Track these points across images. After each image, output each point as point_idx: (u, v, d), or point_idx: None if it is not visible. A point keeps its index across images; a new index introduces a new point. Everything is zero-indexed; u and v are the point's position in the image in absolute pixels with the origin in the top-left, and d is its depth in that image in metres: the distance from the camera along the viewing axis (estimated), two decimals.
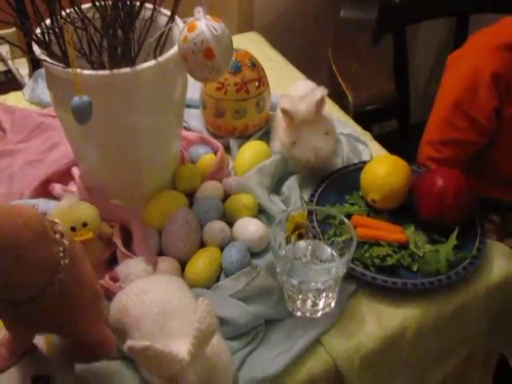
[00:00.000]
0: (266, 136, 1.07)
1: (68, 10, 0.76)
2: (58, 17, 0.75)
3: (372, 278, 0.84)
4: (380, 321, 0.81)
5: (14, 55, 1.92)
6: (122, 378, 0.74)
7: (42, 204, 0.91)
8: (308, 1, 1.51)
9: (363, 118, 1.16)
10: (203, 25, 0.69)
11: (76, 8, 0.76)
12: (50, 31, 0.76)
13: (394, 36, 1.45)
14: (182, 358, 0.64)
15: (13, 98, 1.19)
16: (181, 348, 0.65)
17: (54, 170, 0.97)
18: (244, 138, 1.05)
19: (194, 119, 1.09)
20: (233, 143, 1.04)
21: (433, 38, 1.71)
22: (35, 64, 1.60)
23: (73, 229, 0.80)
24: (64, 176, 0.97)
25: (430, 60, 1.79)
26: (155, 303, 0.72)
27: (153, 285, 0.75)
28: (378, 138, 1.12)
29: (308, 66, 1.29)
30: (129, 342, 0.64)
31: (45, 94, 1.16)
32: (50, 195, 0.94)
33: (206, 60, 0.69)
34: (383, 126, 1.44)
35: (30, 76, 1.83)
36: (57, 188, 0.94)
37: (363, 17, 1.36)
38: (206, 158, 0.99)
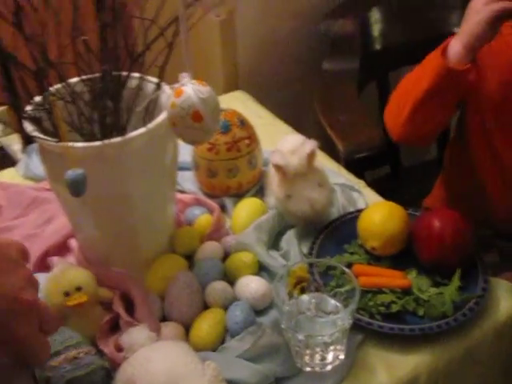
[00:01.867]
0: (260, 192, 1.07)
1: (56, 86, 0.78)
2: (47, 93, 0.76)
3: (379, 326, 0.83)
4: (391, 369, 0.80)
5: (6, 132, 1.95)
6: None
7: (42, 278, 0.90)
8: (291, 55, 1.54)
9: (355, 166, 1.17)
10: (189, 89, 0.70)
11: (64, 83, 0.78)
12: (41, 108, 0.77)
13: (378, 83, 1.47)
14: None
15: (7, 175, 1.20)
16: None
17: (52, 243, 0.97)
18: (239, 195, 1.06)
19: (188, 181, 1.10)
20: (228, 202, 1.05)
21: None
22: (27, 139, 1.62)
23: (67, 294, 0.79)
24: (62, 248, 0.97)
25: None
26: (161, 372, 0.71)
27: (157, 353, 0.74)
28: (372, 184, 1.13)
29: (296, 119, 1.31)
30: None
31: (39, 169, 1.16)
32: (49, 269, 0.93)
33: (195, 123, 0.70)
34: (376, 171, 1.45)
35: (23, 151, 1.85)
36: (55, 261, 0.93)
37: (346, 67, 1.39)
38: (203, 218, 0.99)
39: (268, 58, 1.52)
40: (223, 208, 1.05)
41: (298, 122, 1.28)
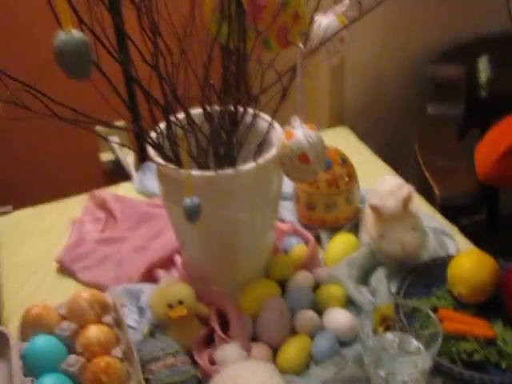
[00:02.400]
0: (355, 228, 1.12)
1: (180, 116, 0.87)
2: (173, 124, 0.85)
3: (459, 373, 0.85)
4: None
5: (123, 144, 2.09)
6: None
7: (148, 288, 0.99)
8: (396, 96, 1.58)
9: (450, 212, 1.19)
10: (299, 133, 0.77)
11: (188, 116, 0.86)
12: (164, 136, 0.86)
13: (482, 130, 1.48)
14: None
15: (123, 188, 1.31)
16: None
17: (159, 256, 1.06)
18: (334, 229, 1.11)
19: (287, 211, 1.16)
20: (323, 235, 1.10)
21: None
22: (144, 155, 1.75)
23: (170, 306, 0.87)
24: (167, 262, 1.06)
25: None
26: None
27: (246, 370, 0.81)
28: (466, 229, 1.14)
29: (395, 160, 1.34)
30: None
31: (152, 185, 1.27)
32: (154, 280, 1.02)
33: (302, 164, 0.77)
34: (471, 217, 1.46)
35: (136, 165, 1.99)
36: (161, 274, 1.02)
37: (450, 112, 1.41)
38: (298, 248, 1.05)
39: (374, 98, 1.57)
40: (318, 240, 1.10)
41: (397, 162, 1.32)
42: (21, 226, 1.23)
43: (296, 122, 0.78)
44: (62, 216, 1.25)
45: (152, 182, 1.28)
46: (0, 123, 1.93)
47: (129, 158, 2.07)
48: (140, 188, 1.30)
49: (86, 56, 0.58)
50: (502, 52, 1.51)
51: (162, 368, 0.83)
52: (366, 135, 1.45)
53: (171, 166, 0.85)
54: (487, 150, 1.10)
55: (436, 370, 0.85)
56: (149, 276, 1.04)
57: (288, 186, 1.11)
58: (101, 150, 2.12)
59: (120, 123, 2.11)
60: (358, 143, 1.42)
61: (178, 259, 1.05)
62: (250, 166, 0.85)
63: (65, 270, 1.09)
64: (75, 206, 1.26)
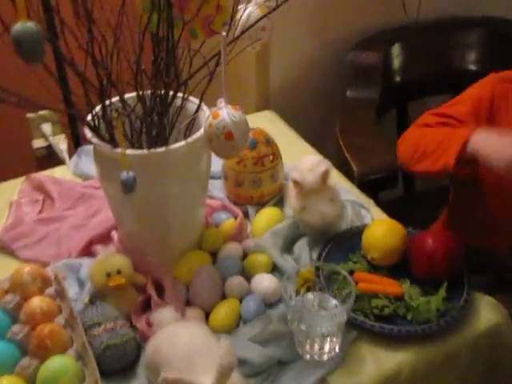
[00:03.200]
0: (280, 203, 1.21)
1: (114, 100, 0.93)
2: (109, 107, 0.91)
3: (371, 325, 0.96)
4: (378, 363, 0.93)
5: (54, 132, 2.12)
6: None
7: (87, 262, 1.06)
8: (318, 81, 1.68)
9: (367, 187, 1.30)
10: (224, 113, 0.85)
11: (121, 99, 0.93)
12: (100, 118, 0.93)
13: (397, 112, 1.61)
14: None
15: (59, 172, 1.36)
16: (205, 381, 0.78)
17: (96, 233, 1.12)
18: (260, 204, 1.20)
19: (217, 189, 1.24)
20: (251, 209, 1.19)
21: None
22: (77, 142, 1.79)
23: (108, 275, 0.94)
24: (105, 238, 1.12)
25: None
26: (183, 344, 0.85)
27: (181, 329, 0.89)
28: (385, 205, 1.25)
29: (318, 140, 1.44)
30: (163, 375, 0.77)
31: (87, 168, 1.33)
32: (93, 255, 1.09)
33: (227, 141, 0.85)
34: (390, 193, 1.58)
35: (69, 150, 2.02)
36: (98, 249, 1.09)
37: (367, 96, 1.52)
38: (228, 222, 1.13)
39: (298, 83, 1.67)
40: (246, 215, 1.19)
41: (319, 143, 1.42)
42: None
43: (221, 103, 0.86)
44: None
45: (87, 165, 1.34)
46: None
47: (61, 145, 2.10)
48: (75, 171, 1.35)
49: (39, 43, 0.67)
50: (413, 41, 1.64)
51: (103, 332, 0.90)
52: (291, 118, 1.54)
53: (107, 145, 0.92)
54: (412, 152, 1.17)
55: (351, 324, 0.95)
56: (87, 251, 1.10)
57: (217, 165, 1.20)
58: (33, 137, 2.14)
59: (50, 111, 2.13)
60: (283, 126, 1.52)
61: (114, 235, 1.11)
62: (179, 144, 0.92)
63: (5, 248, 1.14)
64: (11, 189, 1.30)
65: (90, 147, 1.34)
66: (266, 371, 0.90)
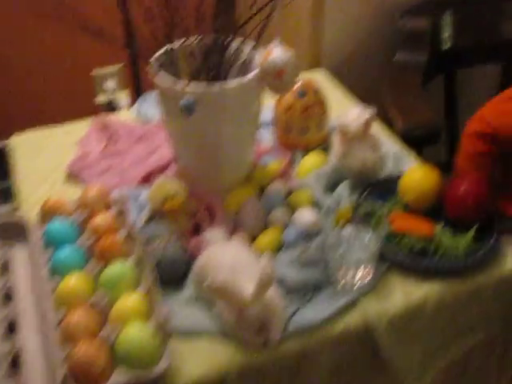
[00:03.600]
0: (324, 150, 1.30)
1: (181, 40, 1.03)
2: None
3: (402, 259, 1.04)
4: (406, 294, 1.01)
5: (117, 88, 2.25)
6: (201, 314, 0.96)
7: (146, 191, 1.17)
8: (368, 44, 1.75)
9: (410, 143, 1.37)
10: (278, 52, 0.94)
11: (186, 40, 1.03)
12: (167, 57, 1.03)
13: (444, 78, 1.66)
14: (246, 295, 0.87)
15: (124, 115, 1.48)
16: (247, 289, 0.87)
17: (155, 166, 1.23)
18: (306, 151, 1.28)
19: (267, 135, 1.33)
20: (298, 154, 1.28)
21: (484, 79, 1.90)
22: (138, 94, 1.91)
23: (165, 199, 1.05)
24: (162, 171, 1.23)
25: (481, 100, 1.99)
26: (228, 259, 0.95)
27: (228, 246, 0.99)
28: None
29: (365, 99, 1.52)
30: (210, 280, 0.87)
31: (148, 113, 1.44)
32: (151, 185, 1.20)
33: (279, 78, 0.94)
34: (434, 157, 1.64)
35: (131, 104, 2.14)
36: (157, 179, 1.20)
37: (415, 60, 1.59)
38: (275, 163, 1.23)
39: (348, 44, 1.74)
40: (292, 160, 1.28)
41: (366, 102, 1.49)
42: (33, 144, 1.39)
43: (275, 43, 0.95)
44: (69, 137, 1.41)
45: (148, 110, 1.45)
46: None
47: (123, 100, 2.23)
48: (137, 115, 1.46)
49: None
50: (464, 9, 1.68)
51: (159, 246, 1.01)
52: (340, 78, 1.61)
53: (170, 78, 1.02)
54: None
55: (383, 257, 1.03)
56: (147, 181, 1.21)
57: (268, 113, 1.29)
58: (97, 94, 2.27)
59: (116, 66, 2.27)
60: (333, 84, 1.59)
61: (172, 168, 1.22)
62: (236, 82, 1.02)
63: (73, 177, 1.26)
64: (80, 128, 1.43)
65: (152, 94, 1.46)
66: (302, 292, 0.99)
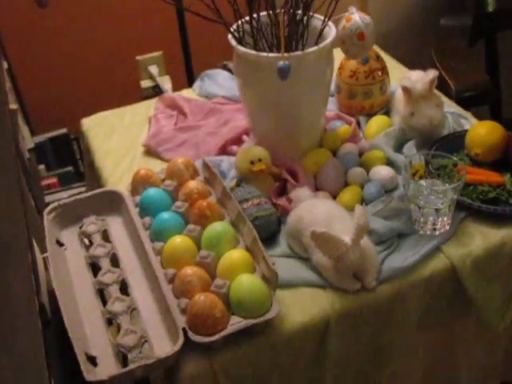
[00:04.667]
0: (387, 114, 1.36)
1: (263, 13, 1.10)
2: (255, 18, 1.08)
3: (478, 206, 1.10)
4: (485, 237, 1.07)
5: (161, 73, 2.33)
6: (298, 266, 1.04)
7: (226, 159, 1.24)
8: (414, 12, 1.81)
9: (463, 103, 1.43)
10: (357, 17, 1.00)
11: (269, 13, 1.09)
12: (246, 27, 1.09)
13: (486, 41, 1.72)
14: (346, 242, 0.94)
15: (186, 93, 1.55)
16: (346, 238, 0.94)
17: (229, 137, 1.30)
18: (370, 115, 1.35)
19: (331, 104, 1.39)
20: (362, 119, 1.34)
21: None
22: (190, 75, 1.98)
23: (252, 162, 1.12)
24: (237, 142, 1.30)
25: None
26: (322, 213, 1.02)
27: (319, 202, 1.06)
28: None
29: (415, 67, 1.57)
30: (312, 229, 0.94)
31: (211, 89, 1.50)
32: (229, 153, 1.27)
33: (359, 41, 1.00)
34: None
35: (174, 90, 2.21)
36: (234, 148, 1.27)
37: (461, 23, 1.64)
38: (343, 127, 1.29)
39: (395, 13, 1.80)
40: (358, 124, 1.34)
41: (418, 68, 1.55)
42: (104, 124, 1.46)
43: (353, 9, 1.01)
44: (136, 116, 1.48)
45: (211, 87, 1.52)
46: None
47: (166, 85, 2.30)
48: (200, 92, 1.53)
49: None
50: None
51: (251, 206, 1.08)
52: (389, 47, 1.67)
53: (252, 51, 1.08)
54: None
55: (460, 206, 1.10)
56: (224, 152, 1.28)
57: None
58: (141, 78, 2.34)
59: (159, 52, 2.34)
60: (382, 53, 1.65)
61: (246, 138, 1.29)
62: (312, 48, 1.08)
63: (151, 152, 1.34)
64: (146, 107, 1.50)
65: (213, 71, 1.54)
66: (388, 241, 1.06)
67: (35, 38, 2.18)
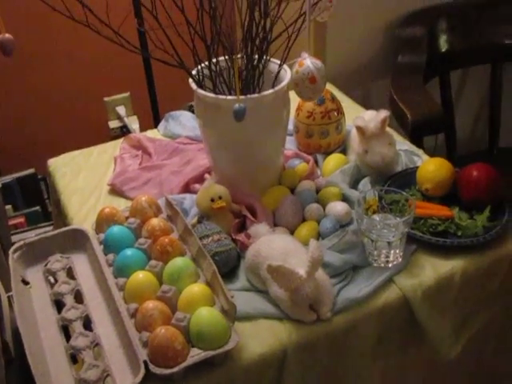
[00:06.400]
0: (343, 151, 1.42)
1: (221, 58, 1.16)
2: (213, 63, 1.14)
3: (428, 239, 1.16)
4: (435, 268, 1.13)
5: (128, 113, 2.38)
6: (256, 299, 1.07)
7: (188, 197, 1.28)
8: (370, 53, 1.91)
9: (419, 132, 1.52)
10: (308, 62, 1.06)
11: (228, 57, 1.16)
12: (206, 71, 1.15)
13: (440, 79, 1.81)
14: (301, 274, 0.98)
15: (151, 133, 1.60)
16: (301, 270, 0.99)
17: (192, 176, 1.35)
18: (327, 153, 1.41)
19: (289, 143, 1.44)
20: (319, 157, 1.40)
21: (478, 80, 2.06)
22: (156, 116, 2.04)
23: (212, 200, 1.16)
24: (199, 180, 1.35)
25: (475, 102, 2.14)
26: (278, 247, 1.07)
27: (276, 237, 1.11)
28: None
29: (372, 104, 1.66)
30: (268, 263, 0.99)
31: (175, 130, 1.56)
32: (191, 192, 1.31)
33: (311, 84, 1.06)
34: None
35: (141, 129, 2.26)
36: (197, 186, 1.31)
37: (415, 61, 1.75)
38: (301, 166, 1.35)
39: (351, 56, 1.89)
40: (316, 162, 1.40)
41: (373, 107, 1.62)
42: (71, 164, 1.50)
43: (305, 54, 1.08)
44: (103, 156, 1.53)
45: (175, 128, 1.57)
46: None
47: (134, 125, 2.35)
48: (165, 133, 1.58)
49: None
50: (456, 16, 1.85)
51: (211, 242, 1.12)
52: (346, 89, 1.75)
53: (211, 94, 1.14)
54: None
55: (411, 239, 1.16)
56: (187, 189, 1.33)
57: (289, 124, 1.41)
58: (109, 119, 2.39)
59: (127, 93, 2.39)
60: (340, 95, 1.72)
61: (207, 177, 1.33)
62: (269, 91, 1.14)
63: (116, 191, 1.37)
64: (112, 147, 1.54)
65: (177, 113, 1.59)
66: (343, 273, 1.11)
67: (2, 78, 2.21)
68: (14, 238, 1.90)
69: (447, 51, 1.80)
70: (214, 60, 1.18)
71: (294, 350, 1.02)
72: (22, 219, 2.12)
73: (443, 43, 1.81)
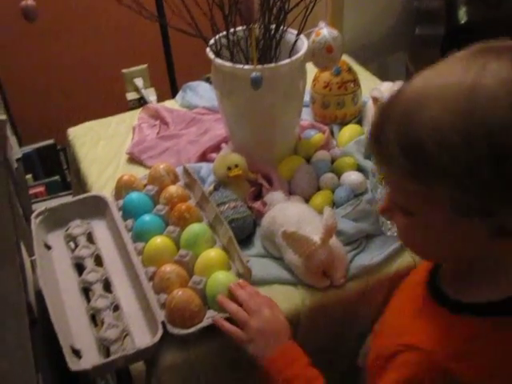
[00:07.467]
0: (359, 122, 1.43)
1: (239, 28, 1.17)
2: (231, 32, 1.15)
3: None
4: None
5: (146, 86, 2.39)
6: (271, 265, 1.10)
7: (205, 166, 1.30)
8: (389, 22, 1.90)
9: None
10: (325, 31, 1.07)
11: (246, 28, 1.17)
12: (223, 41, 1.16)
13: (459, 51, 1.80)
14: (315, 241, 1.00)
15: (169, 104, 1.61)
16: (315, 237, 1.01)
17: (209, 145, 1.37)
18: (343, 124, 1.42)
19: (305, 114, 1.46)
20: (335, 128, 1.41)
21: None
22: (173, 86, 2.06)
23: (229, 168, 1.18)
24: (216, 149, 1.37)
25: None
26: (293, 214, 1.09)
27: (291, 205, 1.13)
28: None
29: (391, 77, 1.65)
30: (283, 229, 1.01)
31: (192, 100, 1.57)
32: (208, 160, 1.33)
33: (328, 54, 1.07)
34: None
35: (158, 101, 2.28)
36: (213, 156, 1.33)
37: (435, 33, 1.73)
38: (317, 136, 1.36)
39: (369, 28, 1.88)
40: (332, 132, 1.41)
41: (390, 79, 1.63)
42: (90, 134, 1.53)
43: (322, 24, 1.09)
44: (121, 125, 1.55)
45: (192, 98, 1.58)
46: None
47: (151, 96, 2.36)
48: (182, 103, 1.60)
49: None
50: None
51: (228, 209, 1.14)
52: (363, 61, 1.75)
53: (229, 63, 1.15)
54: None
55: None
56: (203, 159, 1.35)
57: (306, 95, 1.42)
58: (127, 91, 2.41)
59: (144, 65, 2.41)
60: (357, 67, 1.72)
61: (224, 146, 1.35)
62: (286, 61, 1.15)
63: (134, 159, 1.40)
64: (130, 117, 1.56)
65: (194, 83, 1.61)
66: (357, 241, 1.13)
67: (23, 49, 2.24)
68: (34, 207, 1.94)
69: (466, 23, 1.78)
70: (232, 30, 1.19)
71: (307, 315, 1.04)
72: (41, 188, 2.16)
73: (462, 15, 1.79)
